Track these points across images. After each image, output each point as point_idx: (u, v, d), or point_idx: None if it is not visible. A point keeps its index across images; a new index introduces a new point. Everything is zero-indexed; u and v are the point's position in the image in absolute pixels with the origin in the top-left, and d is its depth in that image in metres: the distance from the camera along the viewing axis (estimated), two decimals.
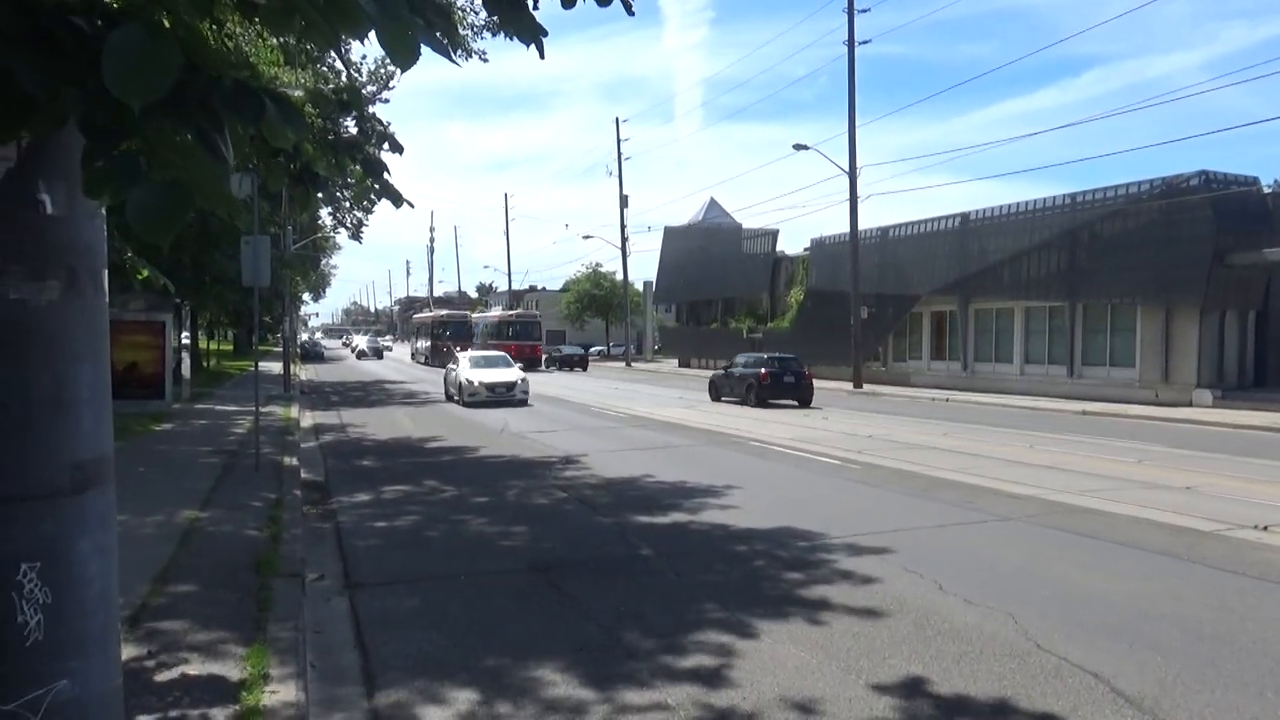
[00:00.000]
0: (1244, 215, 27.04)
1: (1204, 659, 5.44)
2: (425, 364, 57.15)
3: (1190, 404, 26.37)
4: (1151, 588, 7.05)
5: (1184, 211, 26.95)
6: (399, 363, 64.07)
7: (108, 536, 2.60)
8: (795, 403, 26.61)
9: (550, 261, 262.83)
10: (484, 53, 18.31)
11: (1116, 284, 28.97)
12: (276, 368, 31.36)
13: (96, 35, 1.92)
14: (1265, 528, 9.32)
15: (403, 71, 1.95)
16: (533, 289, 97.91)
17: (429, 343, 59.26)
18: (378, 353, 74.87)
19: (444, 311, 70.03)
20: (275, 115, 2.00)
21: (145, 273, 10.13)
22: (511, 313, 64.98)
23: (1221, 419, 22.80)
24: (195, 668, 4.85)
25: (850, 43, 36.13)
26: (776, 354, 29.62)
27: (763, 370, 26.83)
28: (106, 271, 2.58)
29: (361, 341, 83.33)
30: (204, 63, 2.00)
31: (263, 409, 13.99)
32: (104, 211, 2.55)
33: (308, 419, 21.12)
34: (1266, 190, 29.66)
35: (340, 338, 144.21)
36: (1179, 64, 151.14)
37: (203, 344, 44.49)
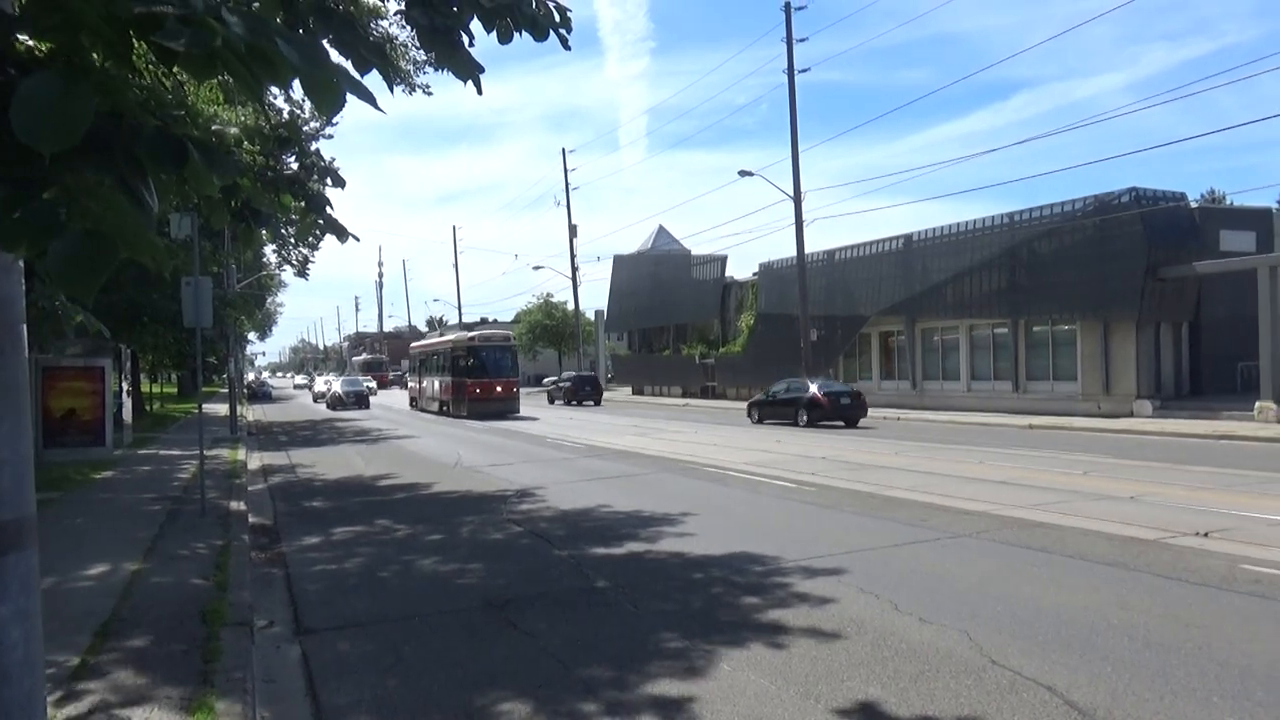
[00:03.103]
0: (1173, 230, 28.03)
1: (1153, 667, 5.54)
2: (443, 414, 40.21)
3: (1131, 414, 27.07)
4: (1101, 598, 7.18)
5: (1117, 228, 27.84)
6: (401, 412, 44.65)
7: (31, 601, 2.49)
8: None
9: (501, 293, 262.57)
10: (428, 87, 18.19)
11: (1056, 300, 29.76)
12: (223, 409, 30.63)
13: (9, 83, 1.86)
14: (1206, 534, 9.56)
15: (328, 119, 1.94)
16: (484, 320, 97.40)
17: (448, 380, 40.14)
18: (361, 399, 49.00)
19: (469, 334, 43.49)
20: (199, 161, 1.94)
21: (79, 318, 9.81)
22: (472, 334, 43.20)
23: (1161, 428, 23.43)
24: None
25: (790, 71, 36.88)
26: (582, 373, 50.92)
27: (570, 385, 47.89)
28: (25, 326, 2.48)
29: (334, 383, 54.84)
30: (126, 109, 1.96)
31: (209, 452, 13.66)
32: (22, 263, 2.46)
33: (255, 461, 20.67)
34: (1194, 205, 30.80)
35: (294, 375, 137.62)
36: (1104, 85, 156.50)
37: (146, 387, 43.39)
